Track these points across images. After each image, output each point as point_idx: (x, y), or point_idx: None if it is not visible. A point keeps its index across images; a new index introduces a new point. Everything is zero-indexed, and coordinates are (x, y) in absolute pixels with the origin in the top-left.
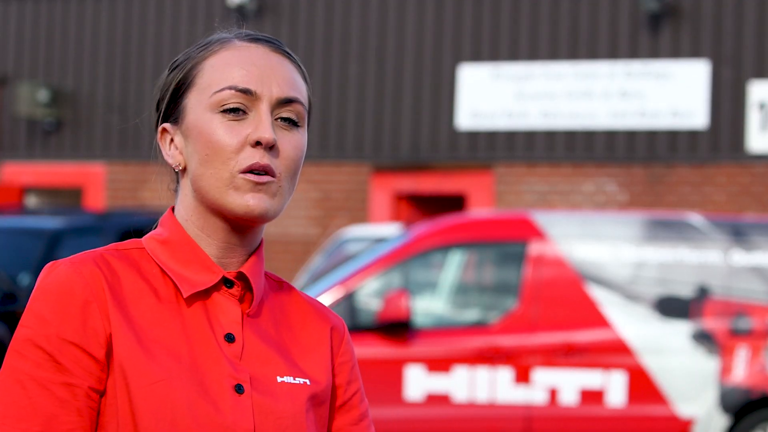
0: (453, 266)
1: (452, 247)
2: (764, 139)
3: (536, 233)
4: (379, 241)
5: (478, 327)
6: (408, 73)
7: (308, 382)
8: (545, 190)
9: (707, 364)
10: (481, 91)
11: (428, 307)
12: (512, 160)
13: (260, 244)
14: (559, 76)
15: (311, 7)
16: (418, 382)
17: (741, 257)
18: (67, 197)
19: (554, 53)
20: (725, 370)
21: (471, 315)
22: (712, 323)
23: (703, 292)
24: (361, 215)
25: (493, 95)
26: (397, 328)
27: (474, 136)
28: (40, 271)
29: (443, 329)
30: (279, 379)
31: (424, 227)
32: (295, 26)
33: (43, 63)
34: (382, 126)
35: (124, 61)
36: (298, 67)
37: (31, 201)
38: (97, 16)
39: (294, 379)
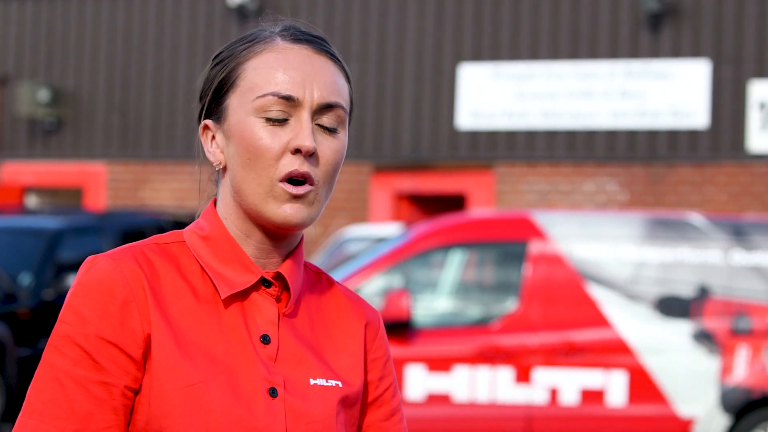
0: (453, 266)
1: (453, 247)
2: (764, 138)
3: (537, 233)
4: (380, 240)
5: (478, 327)
6: (408, 72)
7: (340, 385)
8: (546, 189)
9: (708, 363)
10: (481, 90)
11: (429, 307)
12: (513, 159)
13: (300, 242)
14: (560, 76)
15: (312, 7)
16: (418, 382)
17: (741, 257)
18: (68, 197)
19: (555, 53)
20: (726, 369)
21: (471, 314)
22: (712, 323)
23: (703, 292)
24: (362, 215)
25: (493, 95)
26: (397, 327)
27: (474, 136)
28: (40, 271)
29: (444, 329)
30: (312, 382)
31: (424, 227)
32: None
33: (43, 63)
34: (383, 126)
35: (124, 61)
36: (341, 67)
37: (32, 201)
38: (98, 16)
39: (326, 382)
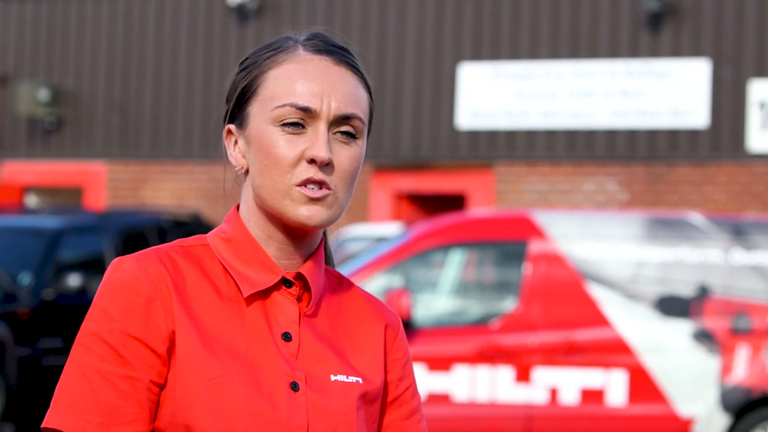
0: (453, 265)
1: (453, 247)
2: (764, 138)
3: (536, 232)
4: (380, 240)
5: (478, 326)
6: (408, 72)
7: (360, 381)
8: (546, 189)
9: (708, 363)
10: (481, 90)
11: (429, 306)
12: (513, 159)
13: (320, 244)
14: (560, 76)
15: (312, 6)
16: (418, 382)
17: (741, 256)
18: (68, 196)
19: (555, 52)
20: (726, 369)
21: (471, 314)
22: (712, 322)
23: (703, 292)
24: (362, 215)
25: (493, 94)
26: None
27: (474, 136)
28: (40, 270)
29: (444, 328)
30: (332, 378)
31: (424, 226)
32: (296, 26)
33: (43, 62)
34: (383, 125)
35: (124, 61)
36: (361, 77)
37: (32, 200)
38: (98, 16)
39: (347, 378)
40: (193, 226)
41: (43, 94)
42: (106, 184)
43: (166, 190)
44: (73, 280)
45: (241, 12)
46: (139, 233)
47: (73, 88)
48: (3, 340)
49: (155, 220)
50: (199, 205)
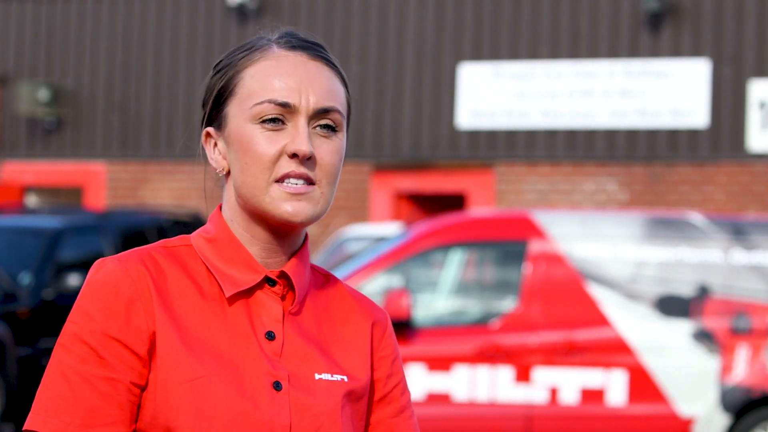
0: (453, 265)
1: (453, 246)
2: (764, 138)
3: (537, 232)
4: (380, 240)
5: (478, 326)
6: (408, 72)
7: (345, 379)
8: (546, 189)
9: (708, 363)
10: (481, 90)
11: (429, 306)
12: (513, 159)
13: (304, 242)
14: (560, 75)
15: (312, 6)
16: (418, 381)
17: (741, 256)
18: (68, 196)
19: (555, 52)
20: (726, 369)
21: (471, 314)
22: (712, 322)
23: (703, 291)
24: (362, 214)
25: (493, 94)
26: (397, 327)
27: (475, 135)
28: (40, 270)
29: (444, 328)
30: (317, 376)
31: (424, 226)
32: (296, 26)
33: (43, 62)
34: (383, 125)
35: (124, 60)
36: (337, 71)
37: (32, 200)
38: (98, 15)
39: (332, 376)
40: (193, 226)
41: (43, 94)
42: (106, 184)
43: (166, 190)
44: (73, 280)
45: (241, 12)
46: (139, 233)
47: (73, 88)
48: (3, 340)
49: (155, 220)
50: (199, 205)
